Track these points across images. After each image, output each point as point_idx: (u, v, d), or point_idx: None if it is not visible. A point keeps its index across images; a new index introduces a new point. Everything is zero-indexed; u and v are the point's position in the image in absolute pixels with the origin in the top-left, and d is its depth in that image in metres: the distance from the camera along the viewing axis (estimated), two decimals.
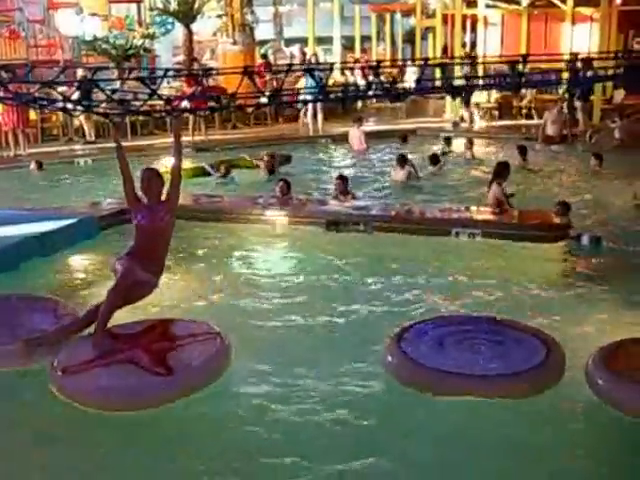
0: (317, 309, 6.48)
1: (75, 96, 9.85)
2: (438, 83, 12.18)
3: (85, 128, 16.54)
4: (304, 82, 15.87)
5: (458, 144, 15.30)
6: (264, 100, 7.87)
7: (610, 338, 5.29)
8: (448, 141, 14.94)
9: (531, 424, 4.64)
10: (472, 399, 4.67)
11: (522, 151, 13.10)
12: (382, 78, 6.68)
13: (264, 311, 6.45)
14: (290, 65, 11.22)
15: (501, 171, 9.48)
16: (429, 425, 4.68)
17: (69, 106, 7.64)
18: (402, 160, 12.01)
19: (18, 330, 5.44)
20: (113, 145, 5.85)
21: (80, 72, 15.04)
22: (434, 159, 13.07)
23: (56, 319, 5.67)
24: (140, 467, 4.33)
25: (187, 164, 13.45)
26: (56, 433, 4.66)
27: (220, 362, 5.10)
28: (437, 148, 14.61)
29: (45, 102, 7.02)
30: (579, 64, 7.12)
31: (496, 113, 19.86)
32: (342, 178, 10.35)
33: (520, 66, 5.84)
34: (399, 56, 28.23)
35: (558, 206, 8.79)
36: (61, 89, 7.47)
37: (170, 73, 11.30)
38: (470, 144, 14.48)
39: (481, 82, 8.64)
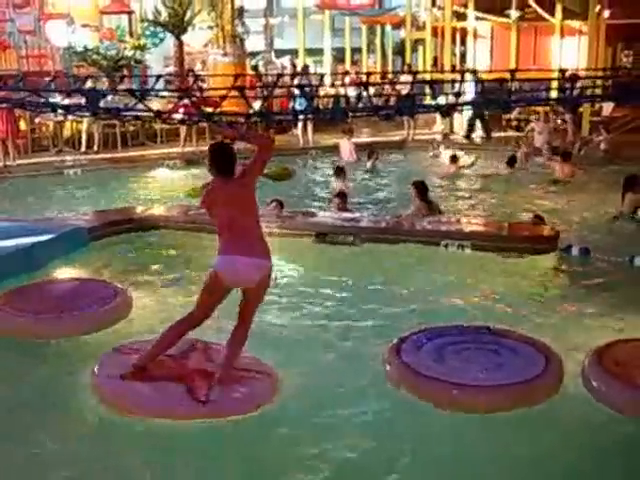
0: (309, 319, 6.49)
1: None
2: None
3: (92, 137, 16.55)
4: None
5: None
6: (254, 112, 7.91)
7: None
8: (372, 153, 14.83)
9: (533, 433, 4.64)
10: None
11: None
12: (372, 90, 6.74)
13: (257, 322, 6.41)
14: (279, 76, 11.25)
15: (422, 190, 9.84)
16: (429, 435, 4.68)
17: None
18: (340, 171, 12.29)
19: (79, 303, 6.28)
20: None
21: (89, 83, 15.10)
22: (453, 159, 14.30)
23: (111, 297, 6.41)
24: None
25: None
26: None
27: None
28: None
29: (44, 107, 7.05)
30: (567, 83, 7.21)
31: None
32: (341, 195, 10.35)
33: (509, 83, 5.89)
34: (389, 68, 28.37)
35: (534, 220, 8.91)
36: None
37: (161, 85, 11.33)
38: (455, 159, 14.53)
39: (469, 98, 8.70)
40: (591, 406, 4.82)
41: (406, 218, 9.59)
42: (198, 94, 8.83)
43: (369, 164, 14.58)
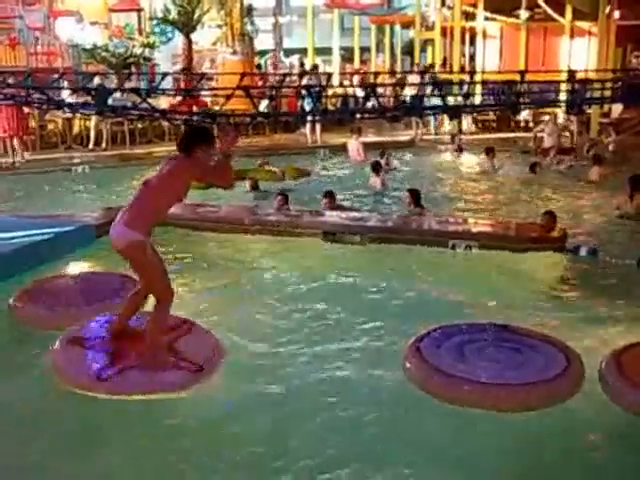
0: (319, 317, 6.48)
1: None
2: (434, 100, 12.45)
3: (101, 134, 16.58)
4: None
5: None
6: (261, 113, 7.94)
7: (611, 347, 5.35)
8: (383, 153, 14.75)
9: (553, 432, 4.64)
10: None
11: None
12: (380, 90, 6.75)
13: (269, 320, 6.42)
14: (285, 76, 11.30)
15: (417, 197, 10.17)
16: (450, 432, 4.67)
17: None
18: (377, 166, 12.68)
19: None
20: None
21: (97, 80, 15.22)
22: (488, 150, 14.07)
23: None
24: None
25: None
26: None
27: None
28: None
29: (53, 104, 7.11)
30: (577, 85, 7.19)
31: (494, 125, 19.95)
32: (329, 195, 10.38)
33: (518, 85, 5.88)
34: (398, 68, 28.34)
35: (545, 216, 8.85)
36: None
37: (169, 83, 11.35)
38: (490, 154, 14.45)
39: (478, 100, 8.70)
40: (607, 406, 4.82)
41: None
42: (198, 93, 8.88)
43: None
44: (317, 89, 10.77)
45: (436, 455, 4.46)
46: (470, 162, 15.63)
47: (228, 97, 6.93)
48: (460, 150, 16.39)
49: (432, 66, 20.77)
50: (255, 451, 4.49)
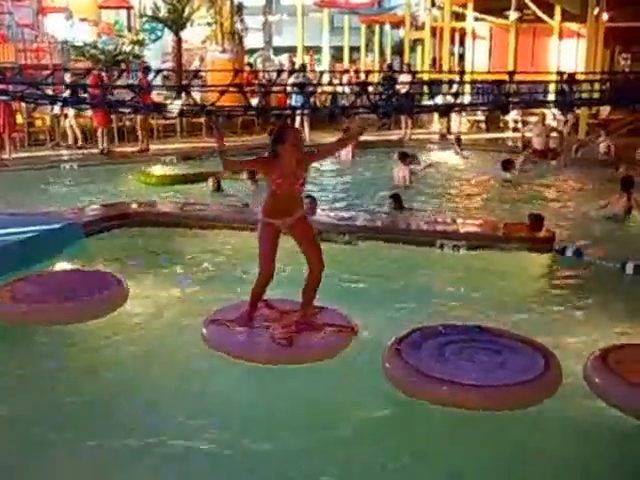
0: None
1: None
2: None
3: (76, 132, 16.43)
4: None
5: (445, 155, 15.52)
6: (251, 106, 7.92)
7: (594, 348, 5.35)
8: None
9: (534, 432, 4.66)
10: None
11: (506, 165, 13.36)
12: (371, 89, 6.75)
13: None
14: (279, 73, 11.23)
15: (399, 201, 10.17)
16: (431, 434, 4.67)
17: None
18: (404, 157, 12.47)
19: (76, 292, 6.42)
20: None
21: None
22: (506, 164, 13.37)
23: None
24: None
25: (166, 171, 13.62)
26: None
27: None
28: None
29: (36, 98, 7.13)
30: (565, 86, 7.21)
31: (483, 126, 20.00)
32: (311, 198, 10.31)
33: (507, 85, 5.88)
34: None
35: (530, 219, 8.86)
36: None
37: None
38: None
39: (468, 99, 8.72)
40: (591, 404, 4.86)
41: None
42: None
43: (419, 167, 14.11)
44: (307, 87, 10.76)
45: (416, 457, 4.46)
46: (465, 162, 15.67)
47: (222, 93, 6.92)
48: (460, 149, 16.32)
49: (390, 67, 21.01)
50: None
